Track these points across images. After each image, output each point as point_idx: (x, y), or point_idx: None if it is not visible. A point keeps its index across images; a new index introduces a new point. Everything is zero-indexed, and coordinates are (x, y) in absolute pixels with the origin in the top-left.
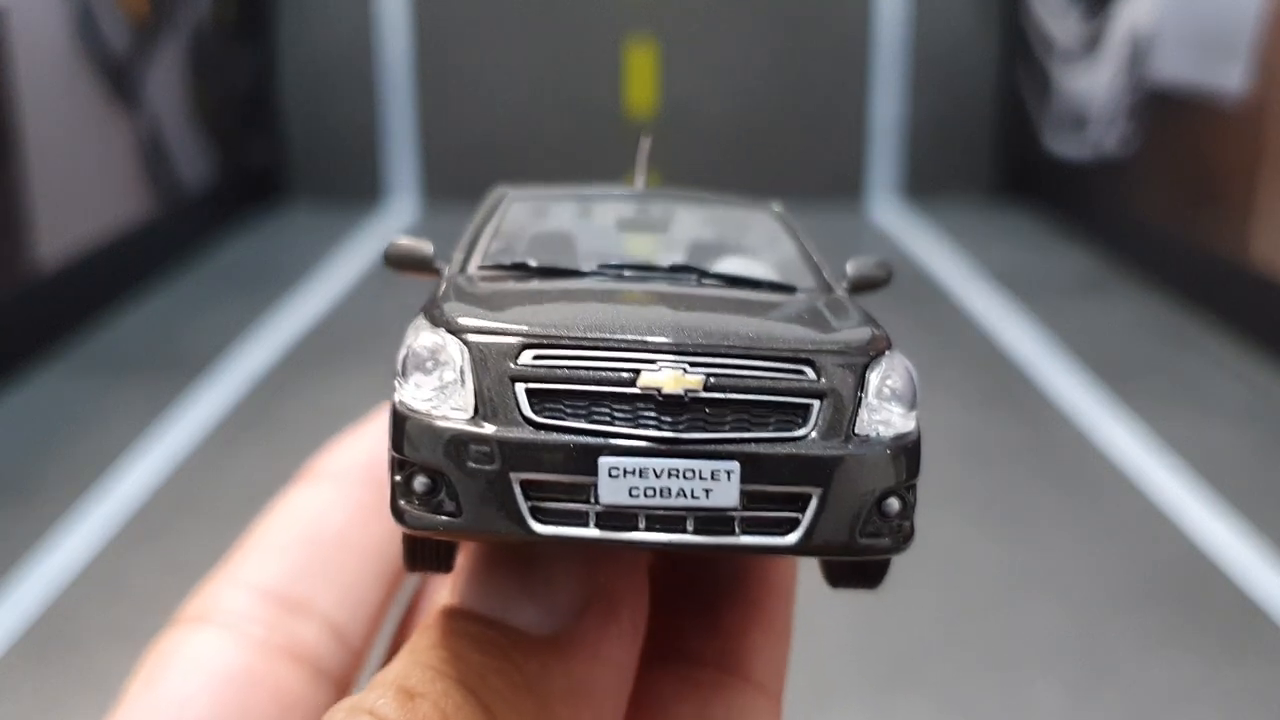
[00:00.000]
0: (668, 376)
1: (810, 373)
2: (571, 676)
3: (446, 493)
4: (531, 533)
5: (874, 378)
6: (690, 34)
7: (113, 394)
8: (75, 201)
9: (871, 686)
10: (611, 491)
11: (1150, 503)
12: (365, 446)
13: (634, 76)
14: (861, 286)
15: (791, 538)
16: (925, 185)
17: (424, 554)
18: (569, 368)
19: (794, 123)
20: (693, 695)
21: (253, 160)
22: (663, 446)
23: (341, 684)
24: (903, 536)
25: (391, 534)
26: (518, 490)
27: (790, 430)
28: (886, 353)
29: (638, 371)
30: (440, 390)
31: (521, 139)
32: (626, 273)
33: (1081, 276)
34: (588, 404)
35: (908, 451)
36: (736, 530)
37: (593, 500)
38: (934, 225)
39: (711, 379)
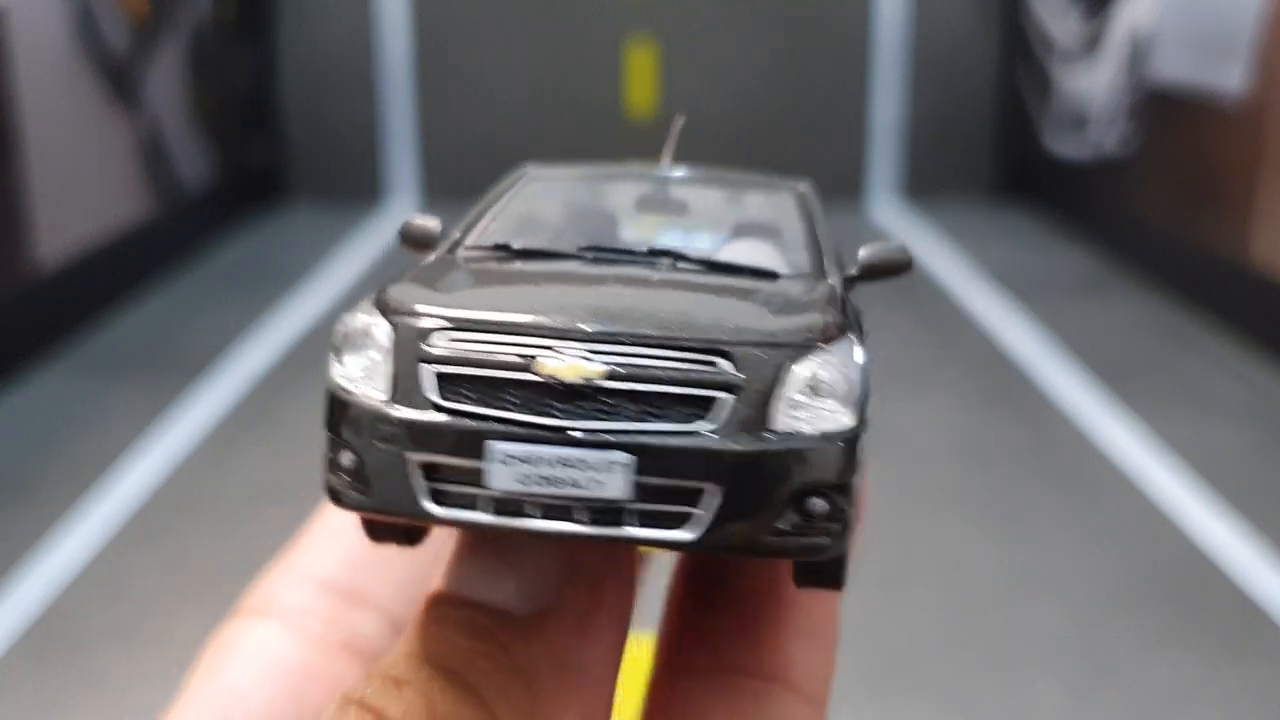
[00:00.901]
0: (565, 364)
1: (724, 364)
2: (556, 651)
3: (363, 471)
4: (426, 514)
5: (801, 370)
6: (690, 34)
7: (113, 394)
8: (75, 201)
9: (871, 686)
10: (501, 477)
11: (1150, 503)
12: None
13: (634, 76)
14: (876, 273)
15: (689, 533)
16: (925, 185)
17: (379, 527)
18: (473, 351)
19: (794, 123)
20: (729, 704)
21: (253, 160)
22: (552, 434)
23: None
24: (832, 538)
25: None
26: (416, 471)
27: (691, 423)
28: (826, 344)
29: (536, 358)
30: (367, 370)
31: (521, 139)
32: (604, 256)
33: (1081, 276)
34: (490, 389)
35: (836, 450)
36: (629, 522)
37: (486, 485)
38: (934, 225)
39: (616, 368)
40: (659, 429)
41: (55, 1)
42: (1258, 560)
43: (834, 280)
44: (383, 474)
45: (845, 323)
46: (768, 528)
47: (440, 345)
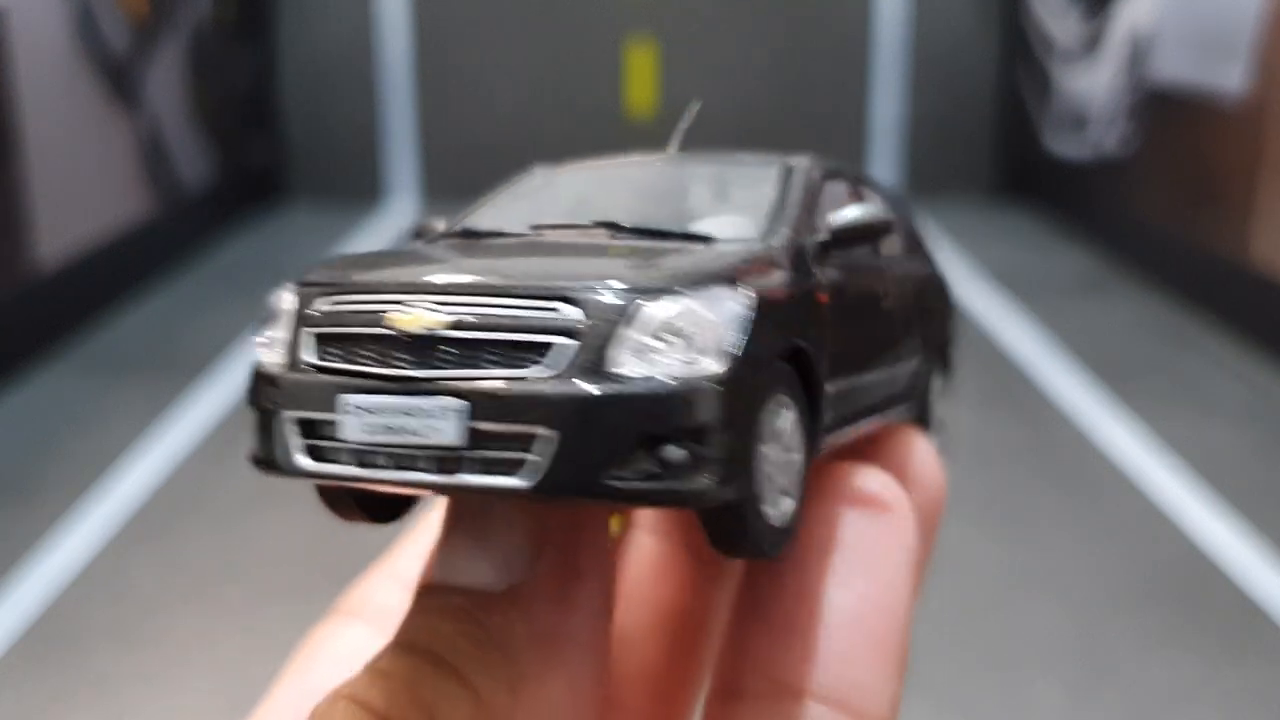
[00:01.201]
0: (408, 316)
1: (566, 309)
2: (535, 624)
3: (268, 434)
4: (299, 470)
5: (653, 313)
6: (690, 34)
7: (113, 394)
8: (75, 201)
9: None
10: (351, 429)
11: (1150, 503)
12: None
13: (634, 76)
14: (852, 237)
15: (524, 480)
16: (925, 185)
17: (338, 503)
18: (336, 313)
19: (794, 123)
20: None
21: (253, 160)
22: (389, 384)
23: None
24: (708, 489)
25: None
26: (290, 428)
27: (524, 368)
28: (687, 290)
29: (386, 313)
30: (275, 339)
31: (521, 139)
32: (547, 230)
33: (1081, 276)
34: (349, 346)
35: (692, 395)
36: (468, 470)
37: (342, 437)
38: (934, 225)
39: (461, 319)
40: (491, 374)
41: (55, 1)
42: (1258, 560)
43: (777, 242)
44: (270, 434)
45: (733, 276)
46: (610, 474)
47: (318, 309)
